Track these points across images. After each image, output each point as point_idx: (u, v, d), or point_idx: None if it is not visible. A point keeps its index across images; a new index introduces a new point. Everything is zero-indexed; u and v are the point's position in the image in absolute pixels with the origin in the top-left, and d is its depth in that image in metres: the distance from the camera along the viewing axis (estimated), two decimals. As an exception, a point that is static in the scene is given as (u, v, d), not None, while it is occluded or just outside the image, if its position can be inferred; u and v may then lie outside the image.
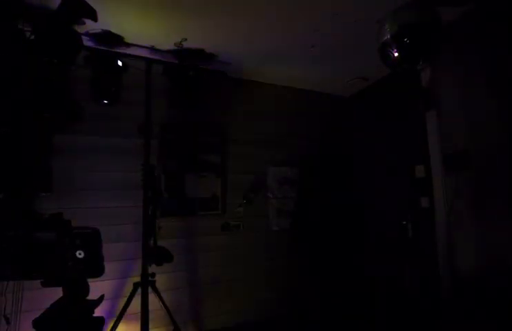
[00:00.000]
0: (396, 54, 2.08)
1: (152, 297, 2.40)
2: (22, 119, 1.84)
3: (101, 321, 1.45)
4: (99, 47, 2.59)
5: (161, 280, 2.49)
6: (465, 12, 2.37)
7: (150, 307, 2.39)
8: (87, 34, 2.41)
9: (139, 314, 2.36)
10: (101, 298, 1.47)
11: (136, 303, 2.35)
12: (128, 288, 2.43)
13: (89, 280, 1.43)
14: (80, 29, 2.26)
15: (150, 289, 2.40)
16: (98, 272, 1.34)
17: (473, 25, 2.37)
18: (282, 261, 3.36)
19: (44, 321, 1.33)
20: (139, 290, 2.38)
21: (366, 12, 2.32)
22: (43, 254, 1.30)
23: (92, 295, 1.47)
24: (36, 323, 1.32)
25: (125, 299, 2.34)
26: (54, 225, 1.35)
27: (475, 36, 2.37)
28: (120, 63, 2.61)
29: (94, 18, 2.01)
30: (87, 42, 2.48)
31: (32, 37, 1.93)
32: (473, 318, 2.33)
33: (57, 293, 1.41)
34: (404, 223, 3.10)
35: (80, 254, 1.30)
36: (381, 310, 3.31)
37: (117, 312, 2.33)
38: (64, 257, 1.30)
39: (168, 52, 2.77)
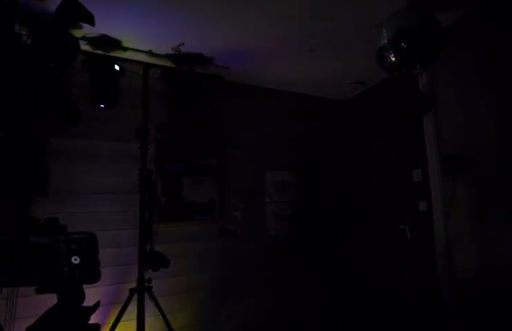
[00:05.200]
0: (393, 59, 2.09)
1: (148, 303, 2.37)
2: (18, 123, 1.83)
3: (96, 328, 1.42)
4: (96, 51, 2.59)
5: (157, 285, 2.46)
6: (463, 16, 2.39)
7: (146, 313, 2.36)
8: (84, 38, 2.40)
9: (135, 320, 2.33)
10: (97, 304, 1.45)
11: (132, 309, 2.32)
12: (124, 294, 2.40)
13: (84, 286, 1.40)
14: (77, 33, 2.25)
15: (146, 295, 2.37)
16: (94, 277, 1.31)
17: (471, 29, 2.39)
18: (280, 265, 3.34)
19: (38, 328, 1.30)
20: (135, 296, 2.35)
21: (365, 17, 2.34)
22: (38, 260, 1.27)
23: (88, 301, 1.45)
24: (30, 330, 1.29)
25: (121, 305, 2.31)
26: (50, 230, 1.33)
27: (472, 39, 2.39)
28: (117, 67, 2.60)
29: (92, 23, 2.00)
30: (84, 46, 2.47)
31: (29, 41, 1.92)
32: (473, 322, 2.33)
33: (52, 300, 1.38)
34: (402, 227, 3.11)
35: (76, 259, 1.27)
36: (379, 314, 3.29)
37: (113, 319, 2.30)
38: (59, 263, 1.28)
39: (166, 56, 2.77)
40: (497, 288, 2.19)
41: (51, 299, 1.38)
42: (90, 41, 2.47)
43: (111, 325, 2.26)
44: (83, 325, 1.38)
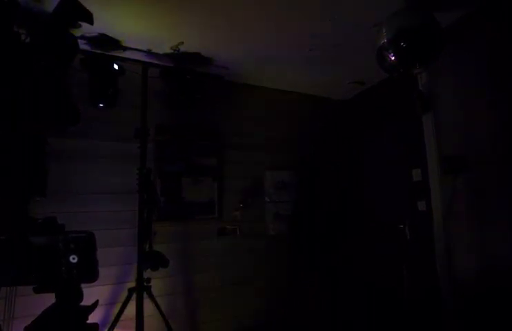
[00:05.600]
0: (392, 58, 2.09)
1: (147, 303, 2.36)
2: (17, 122, 1.82)
3: (95, 328, 1.42)
4: (95, 50, 2.59)
5: (156, 285, 2.46)
6: (463, 16, 2.39)
7: (145, 313, 2.36)
8: (83, 37, 2.40)
9: (134, 320, 2.33)
10: (95, 304, 1.44)
11: (131, 308, 2.31)
12: (123, 294, 2.39)
13: (83, 285, 1.40)
14: (76, 32, 2.25)
15: (145, 295, 2.37)
16: (92, 277, 1.31)
17: (471, 29, 2.39)
18: (279, 265, 3.34)
19: (36, 328, 1.30)
20: (134, 296, 2.34)
21: (365, 17, 2.34)
22: (36, 259, 1.27)
23: (86, 301, 1.44)
24: (27, 330, 1.29)
25: (120, 305, 2.31)
26: (47, 229, 1.33)
27: (472, 39, 2.39)
28: (116, 67, 2.60)
29: (91, 22, 2.00)
30: (83, 45, 2.47)
31: (28, 40, 1.92)
32: (473, 321, 2.32)
33: (50, 299, 1.38)
34: (401, 226, 3.10)
35: (74, 258, 1.27)
36: (379, 314, 3.29)
37: (112, 318, 2.29)
38: (57, 262, 1.27)
39: (165, 55, 2.77)
40: (497, 288, 2.19)
41: (49, 299, 1.37)
42: (89, 40, 2.47)
43: (110, 324, 2.25)
44: (82, 325, 1.38)
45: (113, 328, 2.24)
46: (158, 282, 2.52)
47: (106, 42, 2.52)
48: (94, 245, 1.31)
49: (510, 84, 2.15)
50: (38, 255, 1.26)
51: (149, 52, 2.72)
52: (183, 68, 2.87)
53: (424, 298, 2.79)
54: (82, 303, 1.41)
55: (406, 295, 2.92)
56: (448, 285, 2.50)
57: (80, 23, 2.16)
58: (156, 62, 2.82)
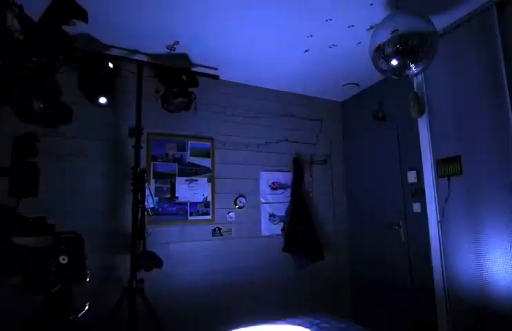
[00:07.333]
0: (388, 60, 2.09)
1: (140, 304, 2.34)
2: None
3: (85, 329, 1.40)
4: (90, 48, 2.56)
5: (150, 286, 2.44)
6: (459, 19, 2.40)
7: (139, 314, 2.34)
8: (77, 34, 2.38)
9: (127, 321, 2.31)
10: (84, 305, 1.43)
11: (124, 310, 2.29)
12: (117, 294, 2.37)
13: (75, 286, 1.38)
14: (70, 30, 2.22)
15: (138, 296, 2.34)
16: (82, 278, 1.29)
17: (467, 32, 2.40)
18: (273, 266, 3.33)
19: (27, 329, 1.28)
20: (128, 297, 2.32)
21: (360, 18, 2.34)
22: (25, 260, 1.25)
23: (78, 302, 1.42)
24: (16, 331, 1.27)
25: (113, 306, 2.28)
26: (37, 230, 1.31)
27: (468, 42, 2.40)
28: (111, 65, 2.58)
29: (85, 20, 1.98)
30: (78, 43, 2.45)
31: (21, 38, 1.89)
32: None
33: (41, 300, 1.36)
34: (396, 228, 3.11)
35: (64, 259, 1.25)
36: (375, 314, 3.28)
37: (104, 320, 2.27)
38: (47, 263, 1.26)
39: (160, 54, 2.75)
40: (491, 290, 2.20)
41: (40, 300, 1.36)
42: (84, 38, 2.45)
43: (103, 326, 2.23)
44: (72, 326, 1.36)
45: (106, 330, 2.21)
46: (151, 283, 2.50)
47: (101, 40, 2.50)
48: (84, 245, 1.30)
49: (504, 88, 2.16)
50: (26, 255, 1.25)
51: (144, 51, 2.70)
52: (178, 68, 2.86)
53: (418, 298, 2.79)
54: (72, 305, 1.39)
55: (401, 294, 2.92)
56: (443, 287, 2.51)
57: (74, 21, 2.14)
58: (151, 61, 2.80)
